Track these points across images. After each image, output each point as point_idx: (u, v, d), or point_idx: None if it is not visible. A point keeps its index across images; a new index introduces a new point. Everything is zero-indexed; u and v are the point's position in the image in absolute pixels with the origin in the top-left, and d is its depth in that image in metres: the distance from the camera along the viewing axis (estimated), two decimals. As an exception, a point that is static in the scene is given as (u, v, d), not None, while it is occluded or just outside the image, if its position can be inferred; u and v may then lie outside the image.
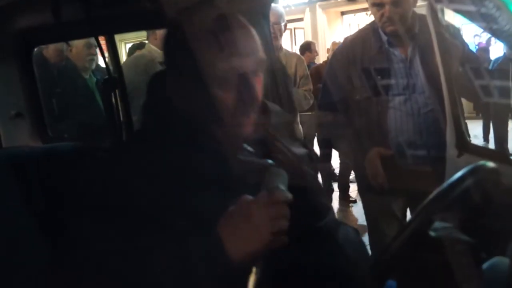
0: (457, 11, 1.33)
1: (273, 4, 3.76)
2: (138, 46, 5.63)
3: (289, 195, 1.13)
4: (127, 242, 1.10)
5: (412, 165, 2.57)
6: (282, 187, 1.14)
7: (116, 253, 1.09)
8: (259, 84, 1.29)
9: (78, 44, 4.14)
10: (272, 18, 3.59)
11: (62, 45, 4.18)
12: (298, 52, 5.81)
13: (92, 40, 4.05)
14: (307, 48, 7.11)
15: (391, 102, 2.59)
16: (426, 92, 2.55)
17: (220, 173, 1.22)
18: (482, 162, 1.45)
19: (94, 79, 4.37)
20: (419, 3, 2.68)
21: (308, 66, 4.90)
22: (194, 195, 1.15)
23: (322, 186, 1.63)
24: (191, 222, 1.12)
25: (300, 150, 1.51)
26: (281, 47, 3.93)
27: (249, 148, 1.36)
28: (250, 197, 1.12)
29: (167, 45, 1.36)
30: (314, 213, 1.36)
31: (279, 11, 3.81)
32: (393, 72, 2.59)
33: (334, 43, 8.14)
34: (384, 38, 2.62)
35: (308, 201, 1.33)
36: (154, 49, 4.13)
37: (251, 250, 1.09)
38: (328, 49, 8.32)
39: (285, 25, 3.89)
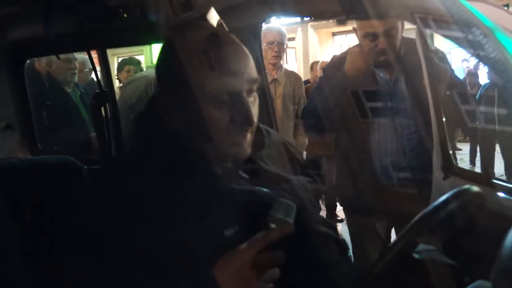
0: (446, 36, 1.36)
1: (276, 25, 3.83)
2: (128, 61, 5.63)
3: (289, 226, 1.13)
4: (115, 273, 1.08)
5: (396, 186, 2.58)
6: (288, 219, 1.15)
7: (102, 282, 1.08)
8: (254, 105, 1.27)
9: (56, 59, 4.14)
10: (277, 38, 3.70)
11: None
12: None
13: (72, 54, 4.09)
14: (311, 67, 7.62)
15: (375, 123, 2.61)
16: (410, 114, 2.57)
17: (213, 201, 1.19)
18: (466, 186, 1.46)
19: (78, 93, 4.38)
20: (407, 26, 2.70)
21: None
22: (185, 223, 1.13)
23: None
24: (182, 252, 1.10)
25: (297, 177, 1.48)
26: (281, 66, 3.97)
27: (244, 175, 1.34)
28: (243, 246, 1.11)
29: (160, 62, 1.34)
30: (314, 249, 1.34)
31: (283, 31, 3.87)
32: (378, 93, 2.60)
33: (315, 63, 8.34)
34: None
35: (304, 233, 1.30)
36: None
37: None
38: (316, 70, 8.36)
39: (286, 45, 3.94)
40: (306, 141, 3.94)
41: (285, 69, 4.10)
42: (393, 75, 2.61)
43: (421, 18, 1.41)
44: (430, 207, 1.42)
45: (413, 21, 1.57)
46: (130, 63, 5.45)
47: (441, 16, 1.29)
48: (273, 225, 1.14)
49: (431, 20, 1.33)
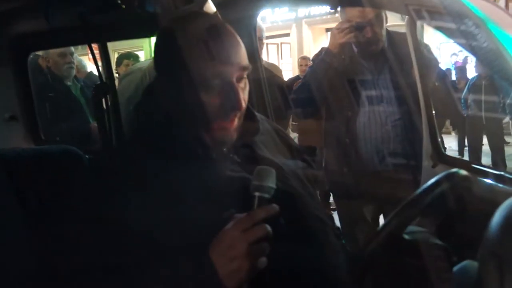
0: (438, 28, 1.38)
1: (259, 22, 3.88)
2: (126, 55, 5.67)
3: (271, 209, 1.14)
4: (117, 257, 1.11)
5: (381, 172, 2.66)
6: (271, 185, 1.18)
7: (104, 267, 1.10)
8: (243, 91, 1.31)
9: (52, 54, 4.20)
10: (262, 34, 3.69)
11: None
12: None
13: (67, 48, 4.13)
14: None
15: (360, 110, 2.68)
16: (393, 103, 2.64)
17: (207, 184, 1.22)
18: (455, 169, 1.48)
19: (78, 85, 4.43)
20: (396, 23, 2.78)
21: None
22: (184, 207, 1.16)
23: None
24: (182, 236, 1.13)
25: (292, 164, 1.51)
26: (261, 59, 4.05)
27: (238, 160, 1.37)
28: (231, 223, 1.13)
29: (159, 52, 1.38)
30: (303, 234, 1.35)
31: (260, 26, 3.94)
32: (362, 82, 2.68)
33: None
34: (355, 49, 2.71)
35: (297, 219, 1.33)
36: None
37: (238, 274, 1.11)
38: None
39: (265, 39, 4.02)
40: (289, 130, 3.99)
41: (265, 61, 4.18)
42: (378, 65, 2.68)
43: (415, 10, 1.45)
44: (420, 189, 1.44)
45: (407, 13, 1.58)
46: (128, 57, 5.50)
47: (434, 8, 1.33)
48: (257, 193, 1.16)
49: (425, 12, 1.37)
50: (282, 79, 4.15)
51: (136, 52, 6.02)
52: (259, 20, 4.06)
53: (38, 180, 1.87)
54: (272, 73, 3.91)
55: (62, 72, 4.28)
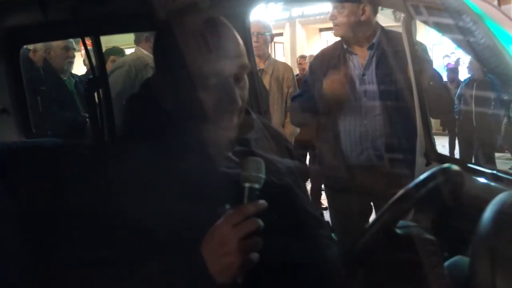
0: (436, 24, 1.38)
1: (257, 17, 3.91)
2: (112, 51, 5.63)
3: (261, 205, 1.14)
4: (107, 251, 1.11)
5: (370, 166, 2.72)
6: (260, 175, 1.17)
7: (96, 262, 1.10)
8: (242, 88, 1.31)
9: (56, 47, 4.19)
10: (255, 28, 3.75)
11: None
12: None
13: (70, 43, 4.12)
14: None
15: (347, 106, 2.74)
16: (377, 99, 2.70)
17: (202, 180, 1.21)
18: (447, 164, 1.49)
19: (73, 81, 4.42)
20: (391, 24, 2.82)
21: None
22: (178, 202, 1.15)
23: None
24: (175, 231, 1.12)
25: (285, 161, 1.51)
26: (269, 56, 4.05)
27: (234, 158, 1.37)
28: (221, 218, 1.12)
29: (157, 46, 1.38)
30: (296, 229, 1.35)
31: (263, 22, 3.98)
32: (350, 78, 2.74)
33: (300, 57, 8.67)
34: (344, 46, 2.82)
35: (290, 214, 1.33)
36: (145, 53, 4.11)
37: (230, 270, 1.10)
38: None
39: (272, 36, 4.07)
40: (296, 129, 4.01)
41: (274, 59, 4.16)
42: (367, 61, 2.76)
43: (413, 6, 1.45)
44: (412, 183, 1.45)
45: (405, 9, 1.59)
46: (114, 53, 5.47)
47: (433, 4, 1.33)
48: (246, 184, 1.16)
49: (423, 8, 1.37)
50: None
51: (121, 47, 5.98)
52: (261, 18, 4.13)
53: (28, 174, 1.84)
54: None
55: (62, 66, 4.29)
